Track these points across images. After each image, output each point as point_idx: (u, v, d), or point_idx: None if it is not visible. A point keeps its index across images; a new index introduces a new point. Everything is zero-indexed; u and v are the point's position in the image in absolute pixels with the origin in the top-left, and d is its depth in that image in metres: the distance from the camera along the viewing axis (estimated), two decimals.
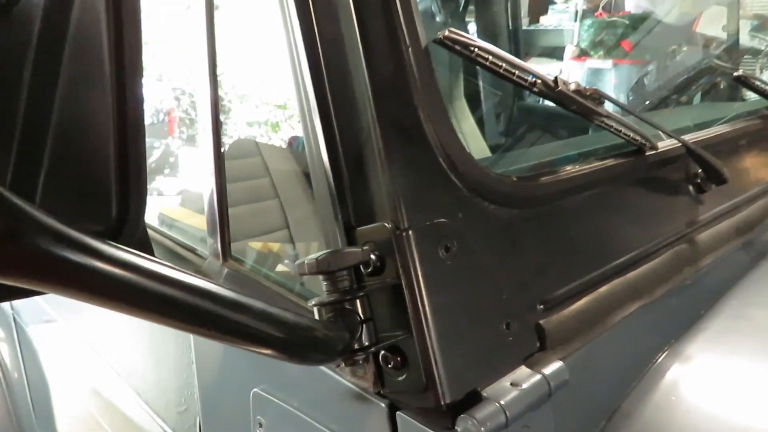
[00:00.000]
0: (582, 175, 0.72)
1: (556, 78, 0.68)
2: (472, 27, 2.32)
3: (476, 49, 0.62)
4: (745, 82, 1.25)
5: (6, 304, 1.72)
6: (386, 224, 0.54)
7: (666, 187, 0.87)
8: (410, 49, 0.57)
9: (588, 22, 4.23)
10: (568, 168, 0.72)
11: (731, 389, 0.70)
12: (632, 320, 0.74)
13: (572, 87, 0.69)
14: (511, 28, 2.46)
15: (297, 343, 0.47)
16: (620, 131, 0.78)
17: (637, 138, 0.80)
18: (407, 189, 0.55)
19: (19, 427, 1.89)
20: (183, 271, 0.38)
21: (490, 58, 0.64)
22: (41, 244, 0.31)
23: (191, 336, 0.84)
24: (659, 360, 0.77)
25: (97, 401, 1.28)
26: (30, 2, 0.33)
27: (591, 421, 0.70)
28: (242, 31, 1.18)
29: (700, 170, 0.89)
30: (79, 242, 0.33)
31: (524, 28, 3.29)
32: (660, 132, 0.85)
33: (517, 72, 0.66)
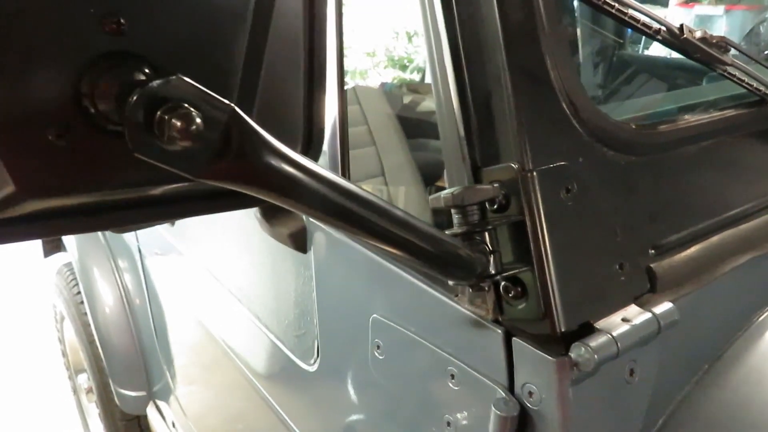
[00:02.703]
0: (701, 124, 0.73)
1: (681, 25, 0.68)
2: None
3: (612, 4, 0.64)
4: None
5: (131, 237, 1.90)
6: (513, 165, 0.58)
7: None
8: None
9: None
10: (686, 117, 0.72)
11: None
12: (742, 271, 0.75)
13: (698, 35, 0.69)
14: None
15: (446, 260, 0.53)
16: (743, 81, 0.77)
17: (761, 88, 0.79)
18: (533, 132, 0.58)
19: (142, 351, 2.11)
20: (358, 187, 0.45)
21: (617, 5, 0.65)
22: (269, 160, 0.39)
23: (313, 266, 0.92)
24: (767, 312, 0.78)
25: (215, 325, 1.42)
26: None
27: (693, 365, 0.73)
28: None
29: None
30: (294, 160, 0.41)
31: None
32: None
33: (642, 19, 0.67)
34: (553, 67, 0.59)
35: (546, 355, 0.58)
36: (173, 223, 1.47)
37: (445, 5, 0.61)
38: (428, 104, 2.28)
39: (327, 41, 0.47)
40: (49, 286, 2.71)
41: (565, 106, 0.60)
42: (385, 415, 0.84)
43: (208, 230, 1.32)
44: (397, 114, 1.96)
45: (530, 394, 0.61)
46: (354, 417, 0.92)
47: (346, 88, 1.26)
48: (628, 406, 0.64)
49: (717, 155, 0.75)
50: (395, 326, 0.76)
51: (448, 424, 0.70)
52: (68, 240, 2.28)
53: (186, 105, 0.35)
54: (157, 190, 0.41)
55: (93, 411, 2.75)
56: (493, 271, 0.58)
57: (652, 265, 0.66)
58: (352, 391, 0.90)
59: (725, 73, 0.75)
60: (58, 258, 2.84)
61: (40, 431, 3.07)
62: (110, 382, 2.14)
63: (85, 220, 0.40)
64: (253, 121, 0.38)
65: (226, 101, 0.37)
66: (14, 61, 0.34)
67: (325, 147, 0.97)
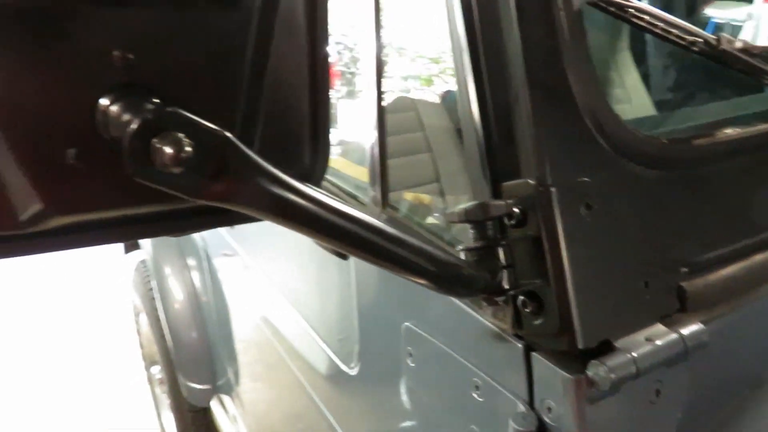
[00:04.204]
0: (741, 139, 0.70)
1: (719, 36, 0.66)
2: None
3: (631, 10, 0.63)
4: None
5: (198, 238, 2.00)
6: (530, 181, 0.58)
7: None
8: (562, 12, 0.59)
9: None
10: (724, 131, 0.70)
11: None
12: None
13: (738, 45, 0.67)
14: None
15: (445, 277, 0.54)
16: None
17: None
18: (552, 148, 0.58)
19: (208, 346, 2.21)
20: (358, 211, 0.48)
21: (646, 17, 0.64)
22: (261, 183, 0.42)
23: (353, 273, 0.95)
24: None
25: (270, 325, 1.48)
26: None
27: (731, 390, 0.70)
28: None
29: None
30: (286, 183, 0.44)
31: None
32: None
33: (674, 31, 0.66)
34: (574, 82, 0.59)
35: (563, 372, 0.58)
36: (233, 227, 1.55)
37: (466, 18, 0.62)
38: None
39: (329, 61, 0.49)
40: (128, 281, 2.88)
41: (587, 122, 0.60)
42: (417, 421, 0.86)
43: (265, 235, 1.37)
44: (455, 122, 1.96)
45: (549, 409, 0.61)
46: (389, 422, 0.94)
47: (406, 95, 1.28)
48: (653, 427, 0.63)
49: (758, 171, 0.72)
50: (425, 335, 0.78)
51: None
52: (144, 239, 2.42)
53: (178, 134, 0.38)
54: (167, 207, 0.44)
55: (165, 402, 2.90)
56: (507, 286, 0.59)
57: (683, 284, 0.64)
58: (388, 396, 0.92)
59: None
60: (137, 255, 3.02)
61: (121, 418, 3.26)
62: (178, 374, 2.26)
63: (104, 234, 0.45)
64: (258, 142, 0.41)
65: (219, 129, 0.40)
66: (36, 93, 0.38)
67: (367, 154, 1.00)
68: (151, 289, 2.51)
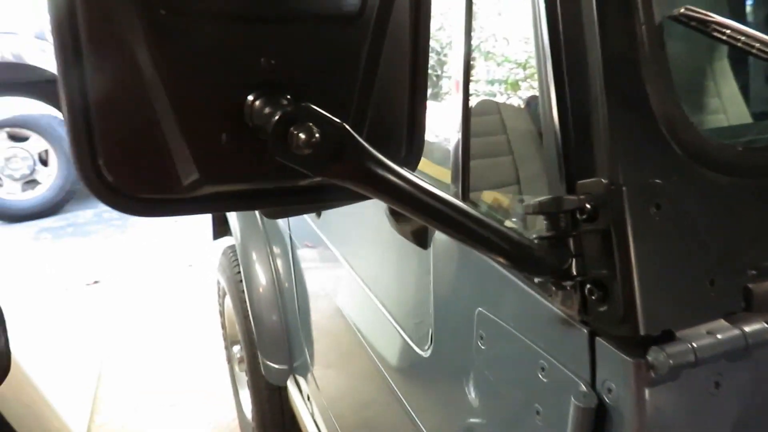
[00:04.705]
0: None
1: None
2: None
3: (713, 25, 0.67)
4: None
5: (284, 227, 2.14)
6: (603, 180, 0.64)
7: None
8: (644, 26, 0.64)
9: None
10: None
11: None
12: None
13: None
14: None
15: (518, 256, 0.61)
16: None
17: None
18: (626, 150, 0.64)
19: (287, 329, 2.35)
20: (448, 195, 0.56)
21: (728, 32, 0.68)
22: (369, 165, 0.51)
23: (431, 261, 1.03)
24: None
25: (347, 311, 1.57)
26: (368, 12, 0.52)
27: None
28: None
29: None
30: (389, 166, 0.54)
31: None
32: None
33: (757, 45, 0.69)
34: (652, 91, 0.64)
35: (624, 356, 0.63)
36: (319, 215, 1.66)
37: (551, 28, 0.68)
38: None
39: (428, 67, 0.58)
40: (216, 264, 3.09)
41: (662, 128, 0.65)
42: (485, 400, 0.92)
43: (347, 224, 1.47)
44: (538, 126, 2.00)
45: (609, 390, 0.66)
46: (460, 401, 1.01)
47: (492, 99, 1.35)
48: (712, 418, 0.67)
49: None
50: (497, 320, 0.84)
51: (537, 412, 0.77)
52: (234, 226, 2.59)
53: (310, 124, 0.48)
54: (293, 183, 0.54)
55: (243, 379, 3.08)
56: (575, 273, 0.64)
57: (749, 285, 0.68)
58: (459, 377, 0.99)
59: None
60: (225, 241, 3.23)
61: (197, 395, 3.49)
62: (258, 353, 2.41)
63: (244, 202, 0.57)
64: (366, 131, 0.50)
65: (339, 121, 0.49)
66: (201, 86, 0.49)
67: (450, 154, 1.07)
68: (238, 273, 2.68)
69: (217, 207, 0.54)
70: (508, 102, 1.78)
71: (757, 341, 0.64)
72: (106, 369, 3.71)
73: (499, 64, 1.56)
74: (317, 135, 0.49)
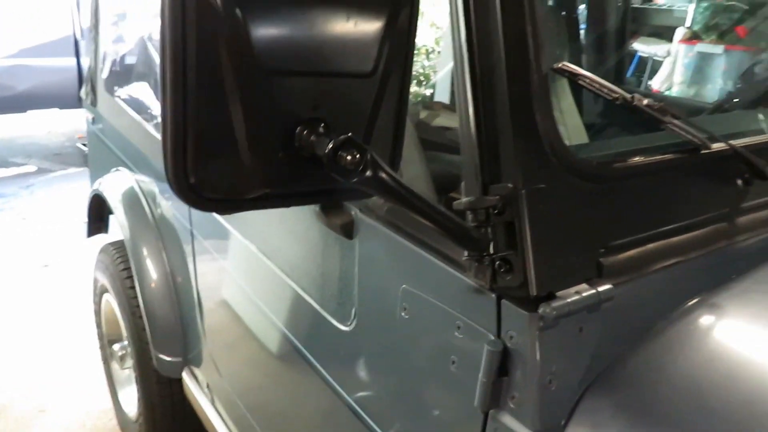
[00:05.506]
0: (649, 163, 1.03)
1: (633, 95, 0.99)
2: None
3: (580, 76, 0.95)
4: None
5: (184, 221, 2.21)
6: (509, 185, 0.88)
7: (715, 178, 1.15)
8: (535, 75, 0.90)
9: (704, 4, 4.18)
10: (638, 157, 1.03)
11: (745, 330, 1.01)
12: (671, 270, 1.05)
13: (645, 102, 1.00)
14: (620, 4, 2.57)
15: (465, 237, 0.84)
16: (681, 133, 1.07)
17: (695, 140, 1.09)
18: (524, 165, 0.89)
19: (182, 322, 2.41)
20: (424, 196, 0.80)
21: (587, 80, 0.96)
22: (380, 175, 0.72)
23: (357, 251, 1.23)
24: (688, 303, 1.08)
25: (262, 296, 1.72)
26: (378, 71, 0.74)
27: (632, 335, 1.03)
28: None
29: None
30: (392, 175, 0.75)
31: (635, 5, 3.32)
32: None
33: (605, 90, 0.98)
34: (540, 121, 0.90)
35: (523, 311, 0.89)
36: None
37: (472, 79, 0.91)
38: (440, 120, 2.58)
39: (409, 92, 0.86)
40: (93, 262, 3.02)
41: (546, 148, 0.91)
42: (407, 359, 1.14)
43: (261, 218, 1.62)
44: (416, 129, 2.26)
45: (511, 337, 0.91)
46: (383, 363, 1.22)
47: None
48: (578, 351, 0.94)
49: (660, 185, 1.05)
50: (420, 293, 1.07)
51: (453, 362, 1.00)
52: (122, 222, 2.58)
53: (354, 150, 0.68)
54: (330, 186, 0.77)
55: (121, 377, 3.05)
56: (492, 252, 0.89)
57: (601, 259, 0.96)
58: (382, 344, 1.21)
59: (667, 128, 1.06)
60: (100, 238, 3.17)
61: (69, 394, 3.36)
62: (151, 348, 2.44)
63: (296, 200, 0.80)
64: (370, 142, 0.71)
65: (364, 144, 0.70)
66: (267, 118, 0.67)
67: None
68: (123, 270, 2.68)
69: (276, 204, 0.75)
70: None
71: (604, 297, 0.92)
72: None
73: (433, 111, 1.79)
74: (357, 156, 0.71)
